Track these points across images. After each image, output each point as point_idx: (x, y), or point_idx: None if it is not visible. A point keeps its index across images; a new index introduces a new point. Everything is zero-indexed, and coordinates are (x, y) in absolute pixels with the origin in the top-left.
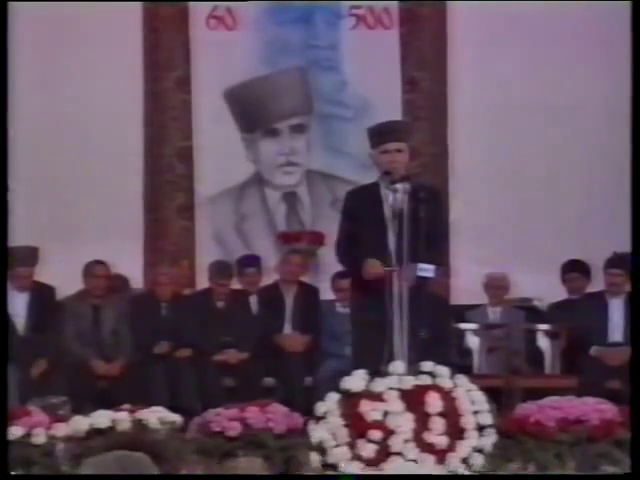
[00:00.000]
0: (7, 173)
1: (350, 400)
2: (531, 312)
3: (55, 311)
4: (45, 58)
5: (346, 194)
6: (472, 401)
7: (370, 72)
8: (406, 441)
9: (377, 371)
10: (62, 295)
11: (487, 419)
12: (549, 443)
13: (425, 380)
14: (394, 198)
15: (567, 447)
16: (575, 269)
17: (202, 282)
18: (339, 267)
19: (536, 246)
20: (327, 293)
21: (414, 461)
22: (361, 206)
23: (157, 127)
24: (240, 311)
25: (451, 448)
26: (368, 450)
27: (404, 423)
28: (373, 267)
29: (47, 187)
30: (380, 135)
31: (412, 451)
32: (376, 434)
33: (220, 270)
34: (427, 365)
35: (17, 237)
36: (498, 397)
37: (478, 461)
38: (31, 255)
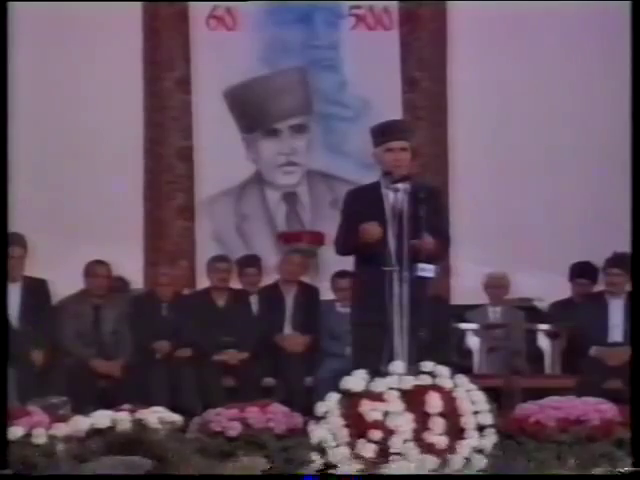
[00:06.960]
0: (7, 172)
1: (350, 400)
2: (531, 312)
3: (47, 303)
4: (45, 58)
5: (346, 194)
6: (472, 401)
7: (370, 72)
8: (406, 441)
9: (377, 371)
10: (62, 295)
11: (487, 419)
12: (549, 443)
13: (425, 380)
14: (394, 198)
15: (567, 447)
16: (585, 275)
17: (202, 282)
18: (339, 267)
19: (536, 246)
20: (327, 293)
21: (414, 461)
22: (361, 206)
23: (157, 127)
24: (240, 311)
25: (451, 448)
26: (368, 450)
27: (404, 423)
28: (370, 229)
29: (47, 187)
30: (384, 134)
31: (412, 451)
32: (376, 434)
33: (218, 262)
34: (427, 365)
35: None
36: (498, 397)
37: (478, 461)
38: (18, 241)
